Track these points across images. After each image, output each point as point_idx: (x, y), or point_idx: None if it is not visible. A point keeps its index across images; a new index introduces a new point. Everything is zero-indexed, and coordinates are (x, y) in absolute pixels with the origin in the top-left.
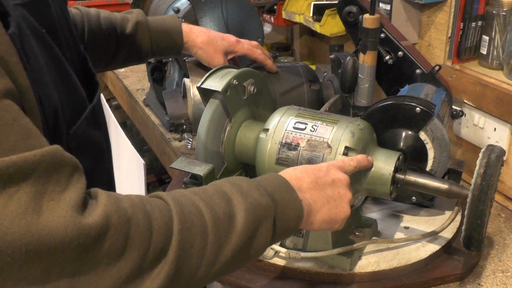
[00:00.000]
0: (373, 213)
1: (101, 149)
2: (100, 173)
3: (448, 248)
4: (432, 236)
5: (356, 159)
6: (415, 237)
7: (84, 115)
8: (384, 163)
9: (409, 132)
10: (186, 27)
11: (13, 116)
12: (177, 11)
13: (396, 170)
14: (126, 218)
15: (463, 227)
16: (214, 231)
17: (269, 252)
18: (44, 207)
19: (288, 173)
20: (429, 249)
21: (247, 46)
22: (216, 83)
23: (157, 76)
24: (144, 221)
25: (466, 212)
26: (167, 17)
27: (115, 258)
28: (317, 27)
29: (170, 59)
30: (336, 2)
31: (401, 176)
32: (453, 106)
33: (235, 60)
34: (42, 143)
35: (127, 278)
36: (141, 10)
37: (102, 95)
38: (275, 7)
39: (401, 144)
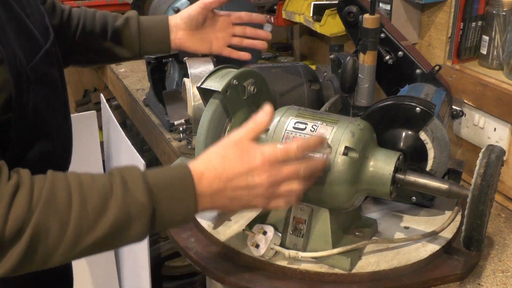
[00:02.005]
0: (373, 213)
1: (56, 83)
2: (57, 103)
3: (448, 248)
4: (432, 236)
5: (301, 146)
6: (415, 237)
7: (39, 55)
8: (384, 163)
9: (409, 132)
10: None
11: None
12: (177, 11)
13: (396, 170)
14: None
15: (463, 227)
16: (76, 223)
17: (269, 252)
18: None
19: (199, 167)
20: (429, 249)
21: None
22: (216, 83)
23: (157, 76)
24: (7, 204)
25: (466, 212)
26: (160, 16)
27: (3, 216)
28: (317, 27)
29: (170, 59)
30: (336, 2)
31: (401, 176)
32: (453, 106)
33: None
34: None
35: (10, 237)
36: (136, 11)
37: (102, 95)
38: (275, 7)
39: (401, 144)
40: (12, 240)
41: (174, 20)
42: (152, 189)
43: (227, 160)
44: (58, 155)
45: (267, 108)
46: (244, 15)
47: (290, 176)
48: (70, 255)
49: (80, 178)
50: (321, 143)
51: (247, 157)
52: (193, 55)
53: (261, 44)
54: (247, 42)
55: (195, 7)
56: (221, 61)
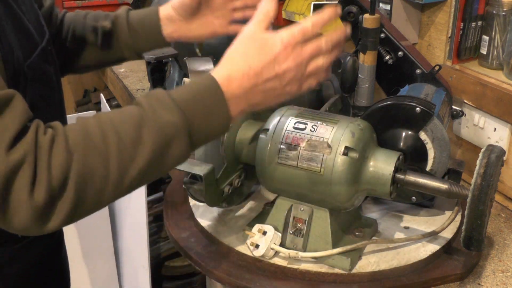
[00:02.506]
0: (373, 213)
1: (53, 81)
2: (54, 101)
3: (448, 248)
4: (432, 236)
5: (316, 22)
6: (415, 237)
7: (36, 53)
8: (384, 163)
9: (409, 132)
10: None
11: None
12: None
13: (396, 170)
14: (37, 153)
15: (463, 227)
16: (116, 157)
17: (269, 252)
18: None
19: (223, 71)
20: (429, 249)
21: None
22: None
23: (157, 76)
24: (50, 154)
25: (466, 212)
26: (149, 8)
27: (28, 191)
28: None
29: (170, 59)
30: (336, 2)
31: (401, 176)
32: (453, 106)
33: None
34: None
35: (42, 206)
36: (126, 7)
37: (102, 95)
38: None
39: (401, 144)
40: (61, 188)
41: (166, 10)
42: (182, 107)
43: (249, 56)
44: None
45: None
46: None
47: (314, 53)
48: (120, 190)
49: (108, 115)
50: (335, 13)
51: (267, 47)
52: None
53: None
54: (250, 13)
55: None
56: None
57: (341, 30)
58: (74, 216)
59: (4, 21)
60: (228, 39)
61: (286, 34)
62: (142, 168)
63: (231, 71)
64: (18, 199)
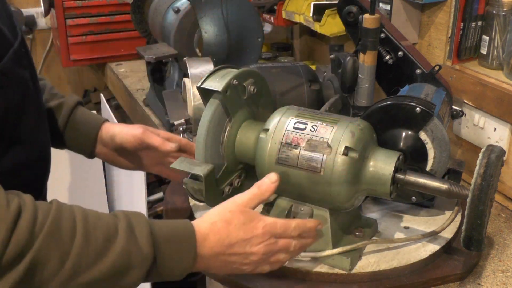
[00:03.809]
0: (373, 213)
1: (28, 86)
2: (29, 106)
3: (448, 248)
4: (432, 236)
5: (298, 225)
6: (415, 237)
7: (8, 55)
8: (384, 163)
9: (409, 132)
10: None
11: None
12: (177, 11)
13: (396, 170)
14: (18, 211)
15: (463, 227)
16: (76, 259)
17: None
18: None
19: (204, 228)
20: (429, 249)
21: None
22: (216, 83)
23: (157, 76)
24: (7, 231)
25: (466, 212)
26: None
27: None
28: (317, 27)
29: (170, 59)
30: (336, 2)
31: (401, 176)
32: (453, 106)
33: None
34: None
35: (10, 261)
36: (78, 98)
37: (102, 95)
38: (275, 7)
39: (401, 144)
40: (11, 265)
41: (106, 134)
42: (157, 241)
43: (231, 225)
44: (34, 163)
45: (272, 176)
46: (184, 142)
47: (281, 249)
48: None
49: (86, 213)
50: (318, 227)
51: (250, 225)
52: (192, 53)
53: None
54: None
55: (130, 138)
56: (221, 61)
57: (310, 242)
58: None
59: None
60: (228, 39)
61: (270, 221)
62: (93, 280)
63: (211, 232)
64: None
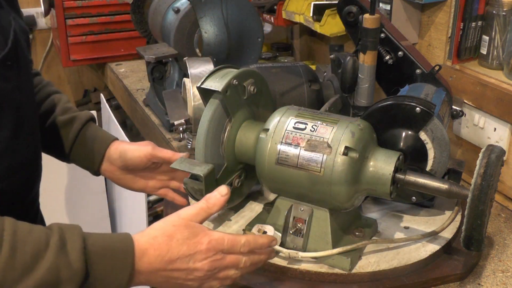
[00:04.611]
0: (373, 213)
1: (5, 99)
2: (4, 119)
3: (448, 248)
4: (432, 236)
5: (248, 241)
6: (415, 237)
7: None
8: (384, 163)
9: (409, 132)
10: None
11: None
12: (177, 11)
13: (396, 170)
14: None
15: (463, 227)
16: (1, 274)
17: None
18: None
19: (143, 243)
20: (429, 249)
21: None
22: (216, 83)
23: (157, 76)
24: None
25: (466, 212)
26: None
27: None
28: (317, 27)
29: (170, 59)
30: (336, 2)
31: (401, 176)
32: (453, 106)
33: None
34: None
35: None
36: (91, 114)
37: (102, 95)
38: (275, 7)
39: (401, 144)
40: None
41: (114, 151)
42: (90, 256)
43: (173, 240)
44: (17, 172)
45: (222, 189)
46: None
47: (230, 265)
48: None
49: (16, 226)
50: (272, 243)
51: (193, 240)
52: (192, 53)
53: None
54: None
55: (140, 154)
56: (221, 61)
57: (264, 258)
58: None
59: None
60: (228, 39)
61: (216, 237)
62: None
63: (150, 247)
64: None
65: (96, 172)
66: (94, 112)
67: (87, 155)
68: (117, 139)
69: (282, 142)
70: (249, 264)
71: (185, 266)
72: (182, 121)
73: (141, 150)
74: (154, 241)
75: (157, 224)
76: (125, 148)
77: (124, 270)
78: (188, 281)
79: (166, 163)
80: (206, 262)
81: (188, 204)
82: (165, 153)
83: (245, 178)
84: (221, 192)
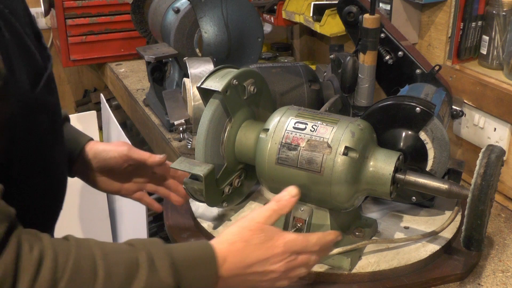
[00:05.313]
0: (373, 213)
1: (55, 111)
2: (57, 133)
3: (448, 248)
4: (432, 236)
5: (319, 240)
6: (415, 237)
7: (43, 80)
8: (384, 163)
9: (409, 132)
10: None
11: None
12: (177, 11)
13: (396, 170)
14: (16, 271)
15: (463, 227)
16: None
17: None
18: None
19: (223, 249)
20: (429, 249)
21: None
22: (216, 83)
23: (157, 76)
24: (31, 279)
25: (466, 212)
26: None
27: None
28: (317, 27)
29: (170, 59)
30: (336, 2)
31: (401, 176)
32: (453, 106)
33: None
34: None
35: None
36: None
37: (102, 95)
38: (275, 7)
39: (401, 144)
40: None
41: (89, 151)
42: (178, 269)
43: (250, 245)
44: (55, 187)
45: (292, 189)
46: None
47: (301, 264)
48: None
49: (105, 249)
50: (338, 238)
51: (269, 243)
52: (192, 53)
53: (176, 198)
54: (162, 192)
55: (116, 155)
56: (221, 61)
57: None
58: None
59: (10, 46)
60: (228, 39)
61: (290, 238)
62: None
63: (230, 253)
64: None
65: (69, 173)
66: (94, 112)
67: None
68: (92, 139)
69: (282, 142)
70: (315, 261)
71: (262, 269)
72: (182, 121)
73: (116, 151)
74: (233, 247)
75: (234, 229)
76: (100, 149)
77: (209, 278)
78: (263, 282)
79: (142, 165)
80: (281, 264)
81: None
82: (142, 154)
83: (245, 178)
84: (291, 193)
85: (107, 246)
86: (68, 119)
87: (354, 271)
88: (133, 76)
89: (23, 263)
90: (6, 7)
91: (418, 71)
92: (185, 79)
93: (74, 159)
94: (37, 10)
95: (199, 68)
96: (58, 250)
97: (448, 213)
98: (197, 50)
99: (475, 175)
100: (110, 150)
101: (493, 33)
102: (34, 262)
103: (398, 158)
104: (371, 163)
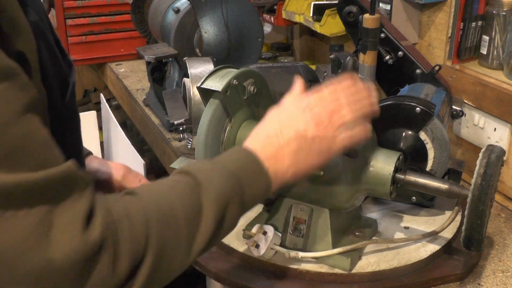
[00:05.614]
0: (373, 213)
1: (78, 119)
2: (76, 139)
3: (448, 248)
4: (432, 236)
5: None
6: (415, 237)
7: (70, 89)
8: (384, 163)
9: (409, 132)
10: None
11: (33, 129)
12: (177, 11)
13: (396, 170)
14: (117, 227)
15: (463, 227)
16: (186, 225)
17: (269, 252)
18: (55, 229)
19: (253, 143)
20: (429, 249)
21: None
22: (216, 83)
23: (157, 76)
24: (130, 229)
25: (466, 212)
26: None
27: (110, 269)
28: (317, 27)
29: (170, 59)
30: (336, 2)
31: (401, 176)
32: (453, 106)
33: None
34: (58, 157)
35: (120, 284)
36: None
37: (102, 95)
38: (275, 7)
39: (401, 144)
40: (140, 261)
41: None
42: (232, 170)
43: (267, 123)
44: None
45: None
46: None
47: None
48: (187, 261)
49: (165, 185)
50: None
51: (284, 110)
52: (192, 53)
53: None
54: None
55: (107, 177)
56: (221, 61)
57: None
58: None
59: (43, 55)
60: (228, 39)
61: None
62: (207, 237)
63: (252, 141)
64: (98, 281)
65: None
66: (94, 112)
67: None
68: (90, 153)
69: None
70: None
71: (296, 128)
72: (182, 121)
73: (110, 175)
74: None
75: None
76: (94, 168)
77: (259, 165)
78: (313, 145)
79: None
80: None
81: None
82: (134, 184)
83: None
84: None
85: (167, 182)
86: None
87: (354, 271)
88: (133, 76)
89: (116, 215)
90: (39, 15)
91: (418, 71)
92: (185, 79)
93: None
94: None
95: (199, 68)
96: (140, 195)
97: (448, 213)
98: (197, 50)
99: (475, 175)
100: (104, 173)
101: (493, 33)
102: (123, 212)
103: (398, 158)
104: (371, 163)
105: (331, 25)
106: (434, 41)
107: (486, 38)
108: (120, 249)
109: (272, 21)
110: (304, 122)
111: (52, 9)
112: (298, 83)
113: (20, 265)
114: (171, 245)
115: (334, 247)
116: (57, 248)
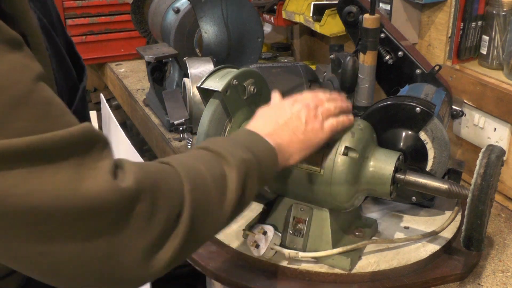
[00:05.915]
0: (373, 213)
1: (88, 119)
2: None
3: (448, 248)
4: (432, 236)
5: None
6: (415, 237)
7: (79, 94)
8: (384, 163)
9: (409, 132)
10: None
11: (51, 96)
12: (177, 11)
13: (396, 170)
14: (154, 182)
15: (463, 227)
16: (215, 189)
17: (269, 252)
18: (86, 175)
19: (252, 126)
20: (429, 249)
21: None
22: (216, 83)
23: (157, 76)
24: (166, 186)
25: (466, 212)
26: None
27: (147, 220)
28: (317, 27)
29: (170, 59)
30: (336, 2)
31: (401, 176)
32: (453, 106)
33: None
34: (75, 120)
35: (158, 238)
36: None
37: (102, 95)
38: (275, 7)
39: (401, 144)
40: (176, 221)
41: None
42: (246, 145)
43: (264, 113)
44: None
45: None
46: None
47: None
48: (219, 226)
49: (189, 156)
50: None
51: (278, 104)
52: (192, 53)
53: None
54: None
55: None
56: (221, 61)
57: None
58: (180, 255)
59: (50, 60)
60: (228, 39)
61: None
62: (233, 202)
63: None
64: (134, 232)
65: None
66: (94, 112)
67: None
68: None
69: None
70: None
71: (286, 118)
72: (182, 121)
73: None
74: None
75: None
76: None
77: (265, 141)
78: (307, 125)
79: None
80: (305, 101)
81: None
82: None
83: None
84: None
85: (189, 154)
86: None
87: (354, 271)
88: (133, 76)
89: (152, 169)
90: (45, 17)
91: (418, 71)
92: (185, 79)
93: None
94: None
95: (199, 68)
96: (172, 161)
97: (448, 213)
98: (197, 50)
99: (475, 175)
100: None
101: (493, 33)
102: (160, 168)
103: (398, 158)
104: (371, 163)
105: (331, 25)
106: (434, 41)
107: (486, 38)
108: (158, 204)
109: (272, 21)
110: (296, 109)
111: None
112: (275, 94)
113: (64, 205)
114: (204, 205)
115: (334, 247)
116: (91, 188)
